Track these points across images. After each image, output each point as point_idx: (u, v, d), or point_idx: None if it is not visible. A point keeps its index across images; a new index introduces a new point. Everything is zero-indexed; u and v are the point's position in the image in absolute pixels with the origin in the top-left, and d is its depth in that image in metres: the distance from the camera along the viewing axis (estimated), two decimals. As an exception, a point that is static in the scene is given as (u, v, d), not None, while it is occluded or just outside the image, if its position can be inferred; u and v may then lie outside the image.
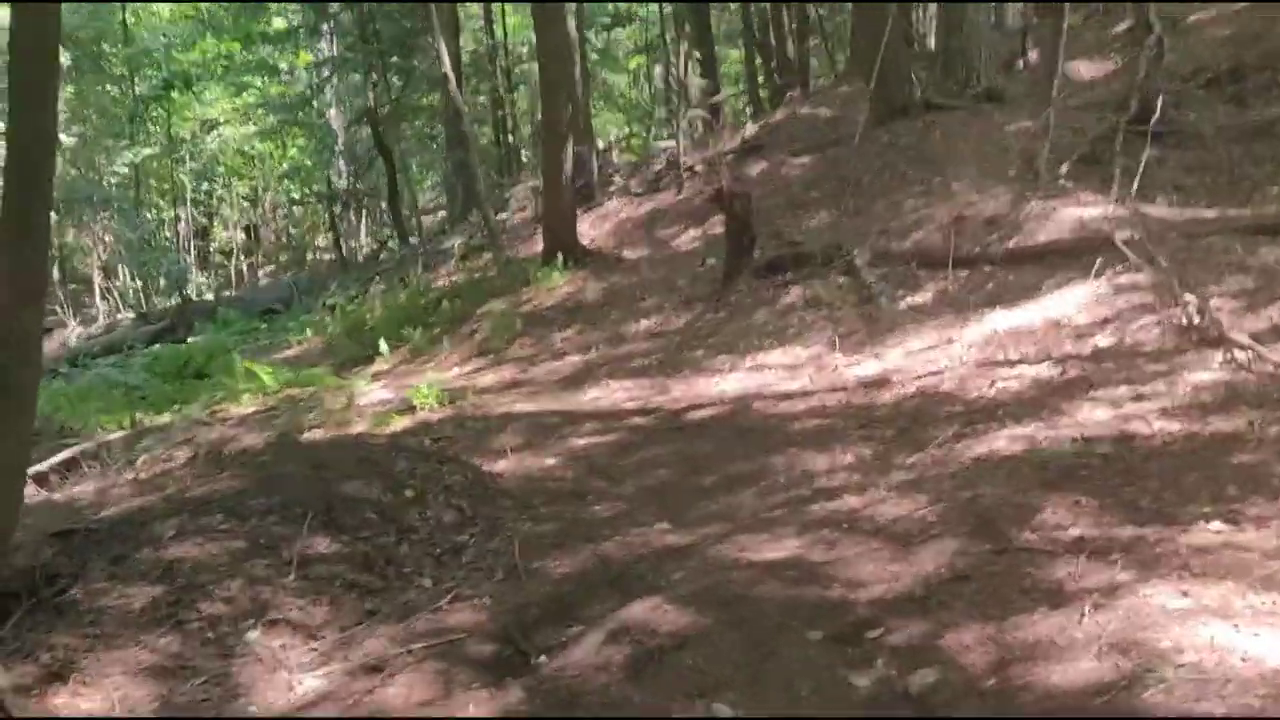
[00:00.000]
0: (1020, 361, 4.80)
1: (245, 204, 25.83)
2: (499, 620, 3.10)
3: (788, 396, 5.22)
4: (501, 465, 4.75)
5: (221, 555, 3.46)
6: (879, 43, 9.40)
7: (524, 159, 21.66)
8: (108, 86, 22.40)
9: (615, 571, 3.35)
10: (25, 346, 3.17)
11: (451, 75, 12.06)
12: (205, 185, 24.32)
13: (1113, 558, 2.74)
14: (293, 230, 25.90)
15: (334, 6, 17.89)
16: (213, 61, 19.97)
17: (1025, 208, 6.93)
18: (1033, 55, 12.18)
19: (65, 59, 18.35)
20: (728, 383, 5.78)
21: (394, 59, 16.66)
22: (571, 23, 11.70)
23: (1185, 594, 2.49)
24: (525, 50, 20.32)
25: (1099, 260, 5.58)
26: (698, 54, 16.13)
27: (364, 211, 23.44)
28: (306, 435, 5.48)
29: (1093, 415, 3.94)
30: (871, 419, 4.57)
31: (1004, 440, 3.86)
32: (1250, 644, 2.21)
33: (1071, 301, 5.35)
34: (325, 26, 18.93)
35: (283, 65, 21.23)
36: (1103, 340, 4.81)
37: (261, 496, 3.85)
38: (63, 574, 3.37)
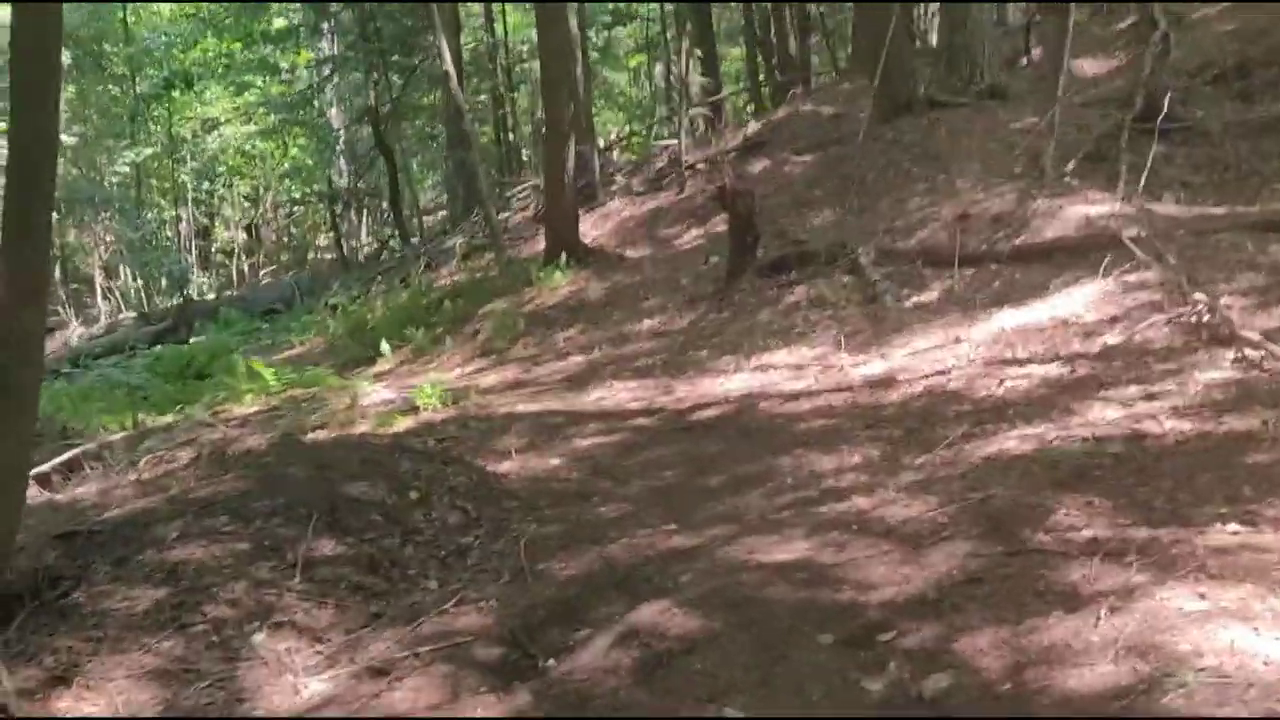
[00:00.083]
0: (1029, 360, 4.76)
1: (246, 204, 25.84)
2: (506, 623, 3.07)
3: (793, 396, 5.19)
4: (506, 466, 4.72)
5: (226, 557, 3.43)
6: (882, 40, 9.37)
7: (524, 158, 21.63)
8: (109, 86, 22.39)
9: (622, 573, 3.32)
10: (26, 346, 3.15)
11: (453, 73, 12.03)
12: (206, 185, 24.33)
13: (1128, 559, 2.71)
14: (294, 230, 25.90)
15: (334, 5, 17.85)
16: (214, 60, 19.94)
17: (1031, 205, 6.90)
18: (1036, 52, 12.16)
19: (66, 58, 18.32)
20: (733, 383, 5.74)
21: (395, 57, 16.62)
22: (573, 21, 11.67)
23: (1203, 596, 2.46)
24: (526, 48, 20.29)
25: (1107, 258, 5.54)
26: (699, 52, 16.09)
27: (365, 211, 23.43)
28: (310, 436, 5.44)
29: (1103, 414, 3.91)
30: (879, 419, 4.53)
31: (1014, 440, 3.83)
32: (1272, 648, 2.17)
33: (1080, 300, 5.32)
34: (325, 25, 18.90)
35: (283, 64, 21.20)
36: (1112, 339, 4.78)
37: (265, 498, 3.82)
38: (66, 576, 3.34)
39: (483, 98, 19.85)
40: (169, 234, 22.46)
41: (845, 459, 4.12)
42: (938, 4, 13.75)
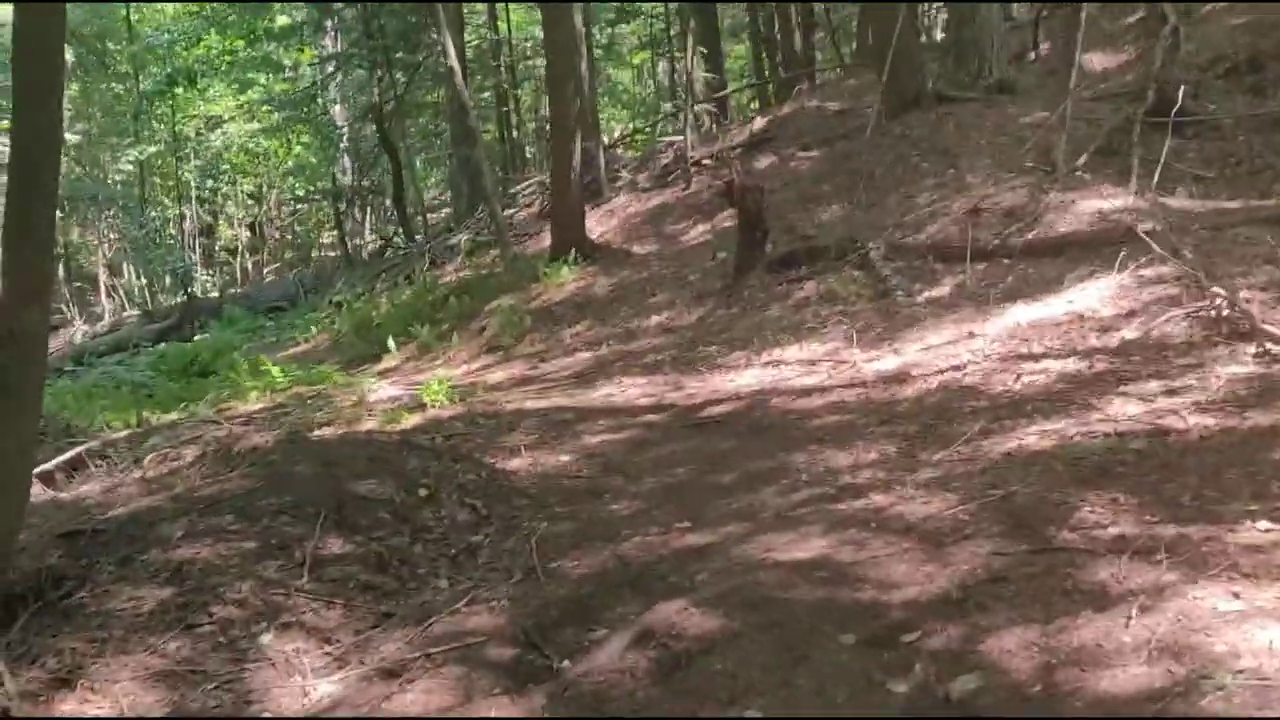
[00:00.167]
0: (1045, 355, 4.69)
1: (250, 201, 25.79)
2: (518, 623, 3.01)
3: (805, 392, 5.12)
4: (515, 463, 4.66)
5: (232, 556, 3.37)
6: (890, 35, 9.29)
7: (528, 155, 21.56)
8: (112, 84, 22.36)
9: (636, 572, 3.26)
10: (29, 345, 3.11)
11: (457, 69, 11.97)
12: (210, 183, 24.29)
13: (1157, 557, 2.64)
14: (298, 228, 25.85)
15: (337, 3, 17.78)
16: (217, 58, 19.89)
17: (1043, 200, 6.82)
18: (1043, 47, 12.07)
19: (70, 56, 18.30)
20: (743, 378, 5.68)
21: (399, 54, 16.55)
22: (578, 18, 11.60)
23: (1237, 596, 2.39)
24: (529, 46, 20.22)
25: (1122, 253, 5.47)
26: (703, 49, 16.02)
27: (369, 209, 23.38)
28: (316, 433, 5.39)
29: (1124, 410, 3.84)
30: (893, 415, 4.47)
31: (1033, 436, 3.76)
32: (1312, 649, 2.11)
33: (1095, 294, 5.25)
34: (329, 23, 18.84)
35: (286, 62, 21.15)
36: (1129, 333, 4.71)
37: (272, 496, 3.76)
38: (69, 576, 3.28)
39: (486, 95, 19.79)
40: (173, 232, 22.41)
41: (861, 455, 4.05)
42: (945, 1, 13.67)
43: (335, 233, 21.88)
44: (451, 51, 11.80)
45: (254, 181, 25.45)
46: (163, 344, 14.14)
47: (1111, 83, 9.92)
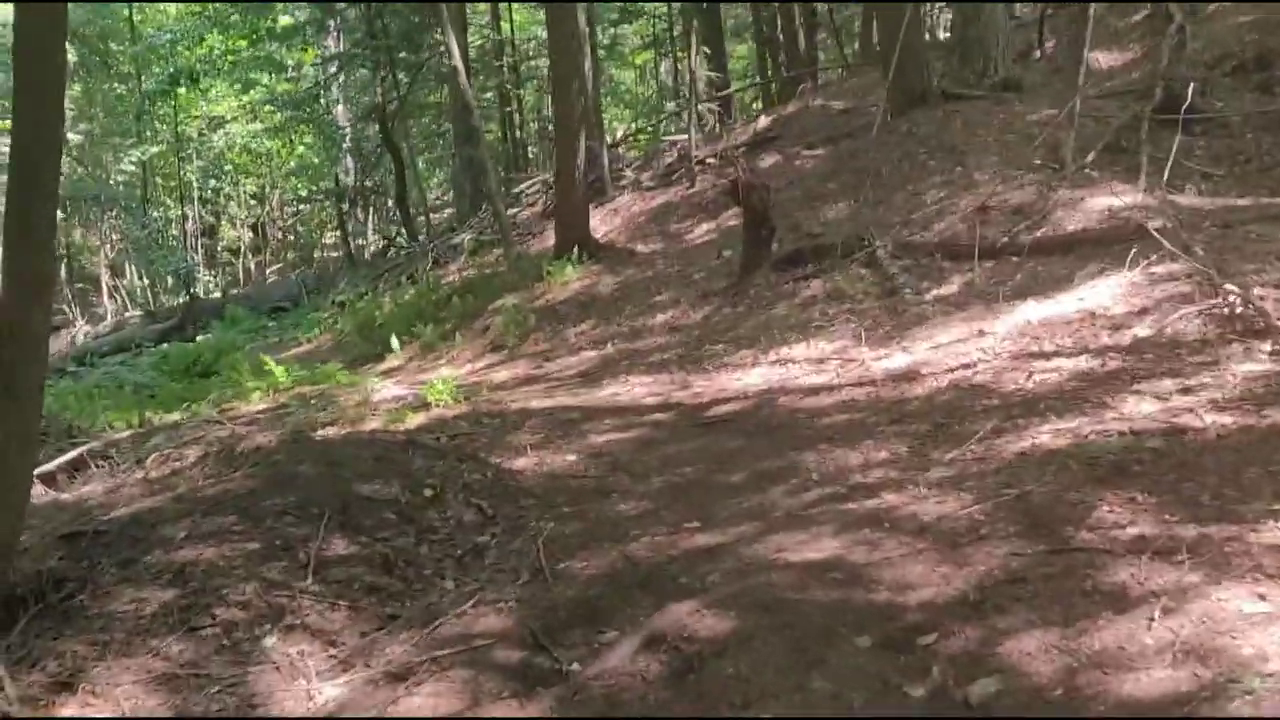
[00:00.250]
0: (1057, 354, 4.64)
1: (252, 202, 25.77)
2: (526, 625, 2.96)
3: (814, 391, 5.07)
4: (521, 462, 4.61)
5: (235, 558, 3.32)
6: (896, 33, 9.24)
7: (531, 155, 21.53)
8: (114, 85, 22.34)
9: (645, 573, 3.21)
10: (30, 344, 3.08)
11: (461, 68, 11.92)
12: (212, 183, 24.26)
13: (1178, 558, 2.59)
14: (300, 228, 25.83)
15: (340, 3, 17.75)
16: (219, 58, 19.86)
17: (1052, 197, 6.77)
18: (1049, 45, 12.02)
19: (72, 56, 18.29)
20: (751, 377, 5.63)
21: (402, 54, 16.52)
22: (582, 18, 11.56)
23: (1262, 597, 2.34)
24: (532, 46, 20.19)
25: (1133, 250, 5.42)
26: (706, 50, 15.98)
27: (371, 209, 23.35)
28: (320, 433, 5.34)
29: (1139, 408, 3.78)
30: (904, 413, 4.41)
31: (1047, 435, 3.70)
32: (1343, 652, 2.05)
33: (1106, 292, 5.19)
34: (332, 23, 18.80)
35: (289, 62, 21.11)
36: (1141, 331, 4.65)
37: (276, 496, 3.72)
38: (70, 578, 3.23)
39: (489, 95, 19.75)
40: (175, 232, 22.39)
41: (871, 454, 4.00)
42: (951, 1, 13.60)
43: (338, 233, 21.86)
44: (455, 50, 11.76)
45: (256, 182, 25.44)
46: (165, 344, 14.10)
47: (1117, 81, 9.87)
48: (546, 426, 5.19)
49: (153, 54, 20.32)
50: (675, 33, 19.75)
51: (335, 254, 22.06)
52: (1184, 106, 7.39)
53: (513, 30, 19.49)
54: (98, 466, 4.98)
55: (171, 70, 19.12)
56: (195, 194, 23.47)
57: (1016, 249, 6.37)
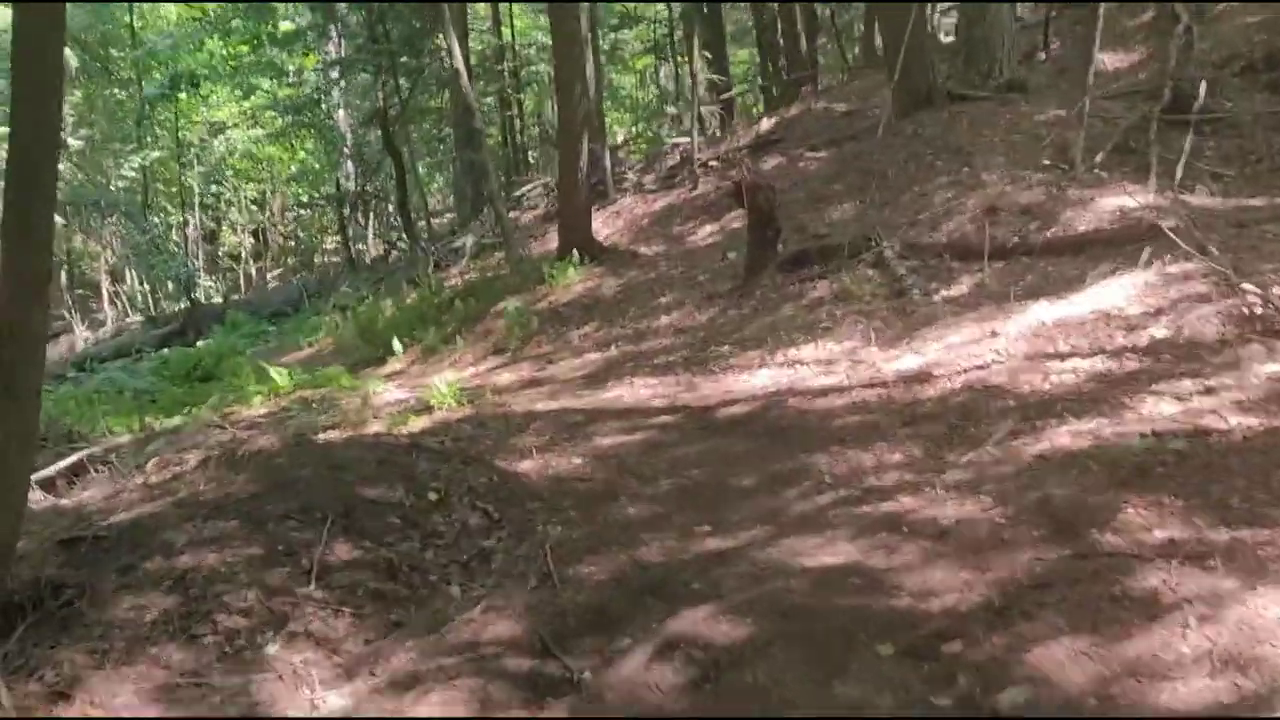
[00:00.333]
0: (1072, 354, 4.56)
1: (253, 207, 25.72)
2: (536, 632, 2.88)
3: (824, 392, 4.99)
4: (526, 465, 4.52)
5: (237, 563, 3.25)
6: (902, 33, 9.19)
7: (531, 160, 21.47)
8: (115, 90, 22.30)
9: (656, 578, 3.13)
10: (29, 344, 3.02)
11: (463, 70, 11.87)
12: (213, 188, 24.21)
13: (1210, 563, 2.51)
14: (301, 233, 25.77)
15: (341, 8, 17.71)
16: (220, 63, 19.83)
17: (1062, 197, 6.70)
18: (1054, 46, 11.96)
19: (74, 62, 18.26)
20: (758, 379, 5.54)
21: (403, 59, 16.47)
22: (584, 21, 11.51)
23: (1301, 603, 2.26)
24: (533, 51, 20.16)
25: (1147, 250, 5.34)
26: (707, 54, 15.95)
27: (372, 214, 23.28)
28: (322, 436, 5.26)
29: (1159, 409, 3.71)
30: (917, 415, 4.33)
31: (1066, 436, 3.63)
32: (1391, 660, 1.98)
33: (1120, 292, 5.11)
34: (333, 28, 18.76)
35: (290, 67, 21.08)
36: (1158, 331, 4.57)
37: (278, 500, 3.64)
38: (69, 585, 3.15)
39: (489, 100, 19.71)
40: (176, 238, 22.32)
41: (885, 456, 3.92)
42: (952, 2, 13.56)
43: (339, 238, 21.79)
44: (457, 52, 11.70)
45: (257, 187, 25.39)
46: (166, 350, 14.04)
47: (1124, 82, 9.81)
48: (551, 429, 5.10)
49: (153, 59, 20.30)
50: (676, 38, 19.71)
51: (336, 259, 21.99)
52: (1198, 105, 7.31)
53: (513, 35, 19.45)
54: (97, 472, 4.90)
55: (172, 75, 19.09)
56: (196, 199, 23.41)
57: (1027, 249, 6.29)
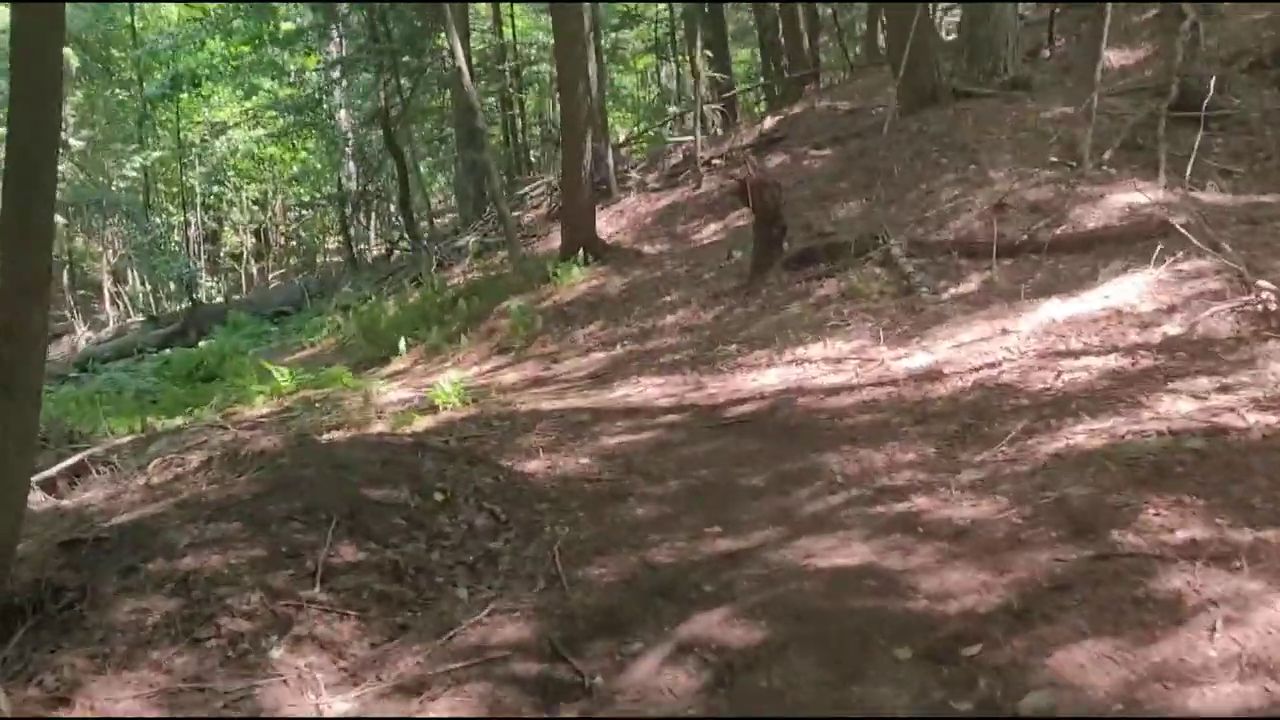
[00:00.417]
0: (1085, 352, 4.51)
1: (255, 207, 25.69)
2: (545, 635, 2.82)
3: (833, 391, 4.94)
4: (533, 465, 4.47)
5: (240, 565, 3.19)
6: (906, 30, 9.13)
7: (533, 159, 21.43)
8: (116, 91, 22.27)
9: (667, 580, 3.08)
10: (28, 343, 2.98)
11: (465, 69, 11.82)
12: (215, 189, 24.18)
13: (1235, 564, 2.46)
14: (303, 233, 25.73)
15: (342, 8, 17.68)
16: (222, 63, 19.80)
17: (1071, 194, 6.64)
18: (1058, 44, 11.90)
19: (75, 62, 18.23)
20: (766, 377, 5.49)
21: (405, 59, 16.44)
22: (587, 21, 11.46)
23: (1331, 605, 2.21)
24: (534, 50, 20.12)
25: (1158, 247, 5.29)
26: (709, 53, 15.89)
27: (374, 214, 23.25)
28: (325, 436, 5.21)
29: (1175, 408, 3.65)
30: (928, 414, 4.28)
31: (1082, 435, 3.57)
32: None
33: (1132, 289, 5.06)
34: (334, 28, 18.73)
35: (291, 67, 21.04)
36: (1172, 329, 4.52)
37: (281, 501, 3.58)
38: (69, 587, 3.10)
39: (491, 99, 19.67)
40: (177, 238, 22.29)
41: (897, 456, 3.86)
42: (961, 1, 13.49)
43: (340, 238, 21.74)
44: (459, 51, 11.66)
45: (259, 187, 25.36)
46: (167, 350, 13.99)
47: (1130, 79, 9.76)
48: (557, 429, 5.05)
49: (154, 59, 20.25)
50: (677, 37, 19.67)
51: (338, 259, 21.95)
52: (1207, 101, 7.26)
53: (514, 35, 19.41)
54: (99, 472, 4.85)
55: (173, 76, 19.05)
56: (197, 199, 23.39)
57: (1036, 246, 6.24)
